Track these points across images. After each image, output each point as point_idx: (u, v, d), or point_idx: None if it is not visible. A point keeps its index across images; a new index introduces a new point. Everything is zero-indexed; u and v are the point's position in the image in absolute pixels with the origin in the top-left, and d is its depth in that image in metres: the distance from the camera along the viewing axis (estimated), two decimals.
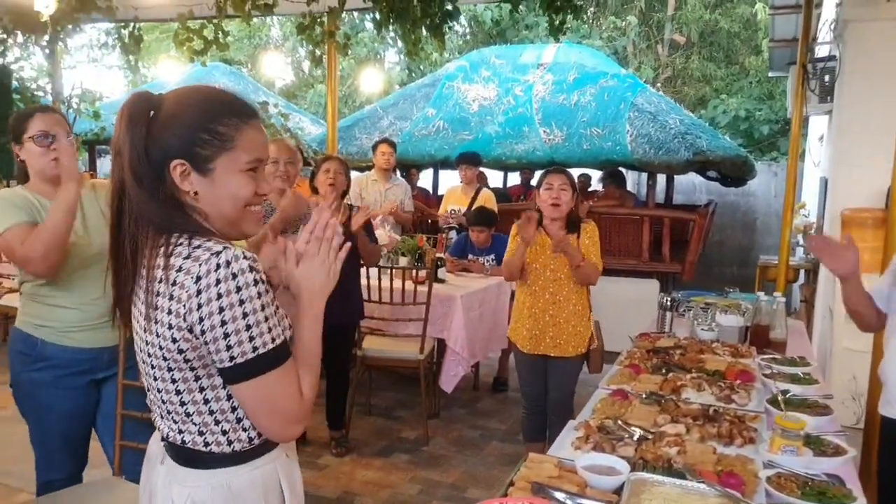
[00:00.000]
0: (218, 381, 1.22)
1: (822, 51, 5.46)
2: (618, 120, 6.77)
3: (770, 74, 9.65)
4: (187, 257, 1.17)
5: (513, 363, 3.81)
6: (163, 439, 1.32)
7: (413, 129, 7.63)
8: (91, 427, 2.36)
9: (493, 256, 4.98)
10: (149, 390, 1.30)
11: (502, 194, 7.33)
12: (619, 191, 6.96)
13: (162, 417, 1.29)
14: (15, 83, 7.85)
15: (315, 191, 3.77)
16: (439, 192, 8.08)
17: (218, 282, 1.14)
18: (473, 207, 5.51)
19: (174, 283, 1.16)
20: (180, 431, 1.26)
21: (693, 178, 8.65)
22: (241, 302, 1.14)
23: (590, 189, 8.22)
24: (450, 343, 4.21)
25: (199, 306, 1.14)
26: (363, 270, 4.01)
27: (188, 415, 1.24)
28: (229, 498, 1.26)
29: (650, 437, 1.84)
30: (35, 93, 8.30)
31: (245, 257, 1.16)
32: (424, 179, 8.41)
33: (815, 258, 5.81)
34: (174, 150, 1.20)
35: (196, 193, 1.23)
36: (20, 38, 6.81)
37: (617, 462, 1.63)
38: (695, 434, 1.90)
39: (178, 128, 1.21)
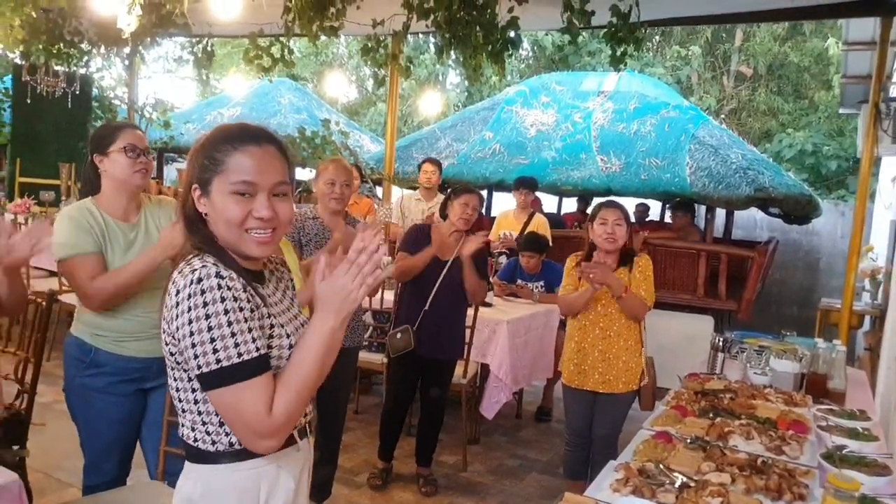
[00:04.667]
0: None
1: None
2: (678, 151, 6.67)
3: (841, 111, 9.34)
4: (180, 272, 1.30)
5: (558, 393, 3.75)
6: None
7: (470, 151, 7.67)
8: (137, 435, 2.42)
9: (542, 283, 4.94)
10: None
11: (556, 220, 7.29)
12: (687, 220, 6.80)
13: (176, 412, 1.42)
14: (95, 91, 8.27)
15: (445, 217, 3.63)
16: (493, 214, 8.09)
17: (190, 295, 1.25)
18: (525, 233, 5.49)
19: (169, 294, 1.30)
20: (182, 425, 1.38)
21: (754, 213, 8.43)
22: (207, 316, 1.24)
23: (647, 219, 8.11)
24: (493, 369, 4.18)
25: (177, 316, 1.26)
26: None
27: (183, 411, 1.36)
28: (207, 494, 1.34)
29: (693, 484, 1.78)
30: (112, 101, 8.73)
31: (220, 276, 1.26)
32: None
33: (882, 305, 5.57)
34: (192, 176, 1.36)
35: (206, 215, 1.36)
36: (102, 50, 7.17)
37: None
38: (740, 485, 1.82)
39: (194, 156, 1.36)
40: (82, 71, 7.48)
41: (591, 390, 3.24)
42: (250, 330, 1.27)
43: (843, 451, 2.08)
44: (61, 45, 6.60)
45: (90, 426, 2.33)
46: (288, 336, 1.35)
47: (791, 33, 13.79)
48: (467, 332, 3.90)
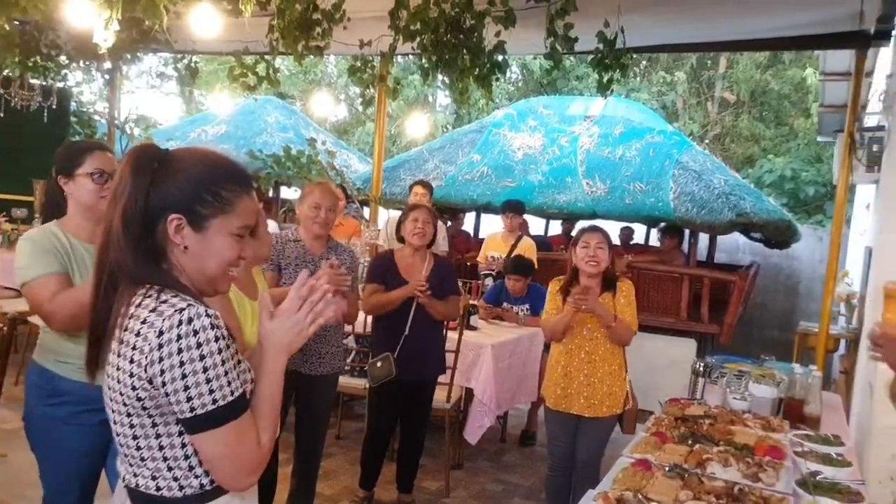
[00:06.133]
0: (174, 428, 1.27)
1: (871, 120, 5.39)
2: (662, 176, 6.77)
3: (819, 139, 9.53)
4: (153, 310, 1.24)
5: (542, 417, 3.77)
6: (123, 482, 1.36)
7: (457, 174, 7.73)
8: (101, 467, 2.30)
9: (528, 306, 4.98)
10: (114, 435, 1.35)
11: (543, 243, 7.35)
12: (675, 244, 6.87)
13: (122, 461, 1.35)
14: (74, 105, 8.16)
15: (402, 240, 3.66)
16: (480, 236, 8.15)
17: (179, 337, 1.20)
18: (512, 255, 5.53)
19: (138, 334, 1.23)
20: (135, 475, 1.31)
21: (737, 237, 8.54)
22: (202, 357, 1.21)
23: (632, 242, 8.19)
24: (477, 393, 4.18)
25: (161, 359, 1.20)
26: None
27: (143, 459, 1.29)
28: None
29: None
30: (92, 116, 8.60)
31: (207, 315, 1.23)
32: (466, 223, 8.49)
33: (857, 329, 5.65)
34: (175, 203, 1.28)
35: (186, 248, 1.30)
36: (82, 64, 7.07)
37: None
38: None
39: (184, 183, 1.29)
40: (60, 85, 7.37)
41: (575, 414, 3.26)
42: (234, 366, 1.27)
43: (818, 478, 2.12)
44: (38, 58, 6.52)
45: (50, 458, 2.22)
46: (249, 370, 1.35)
47: (772, 61, 14.06)
48: (451, 356, 3.92)
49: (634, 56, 4.77)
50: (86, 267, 2.16)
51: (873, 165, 4.89)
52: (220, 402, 1.23)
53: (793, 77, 13.63)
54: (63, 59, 6.72)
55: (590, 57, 4.70)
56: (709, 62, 14.70)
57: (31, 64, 6.57)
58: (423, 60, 4.84)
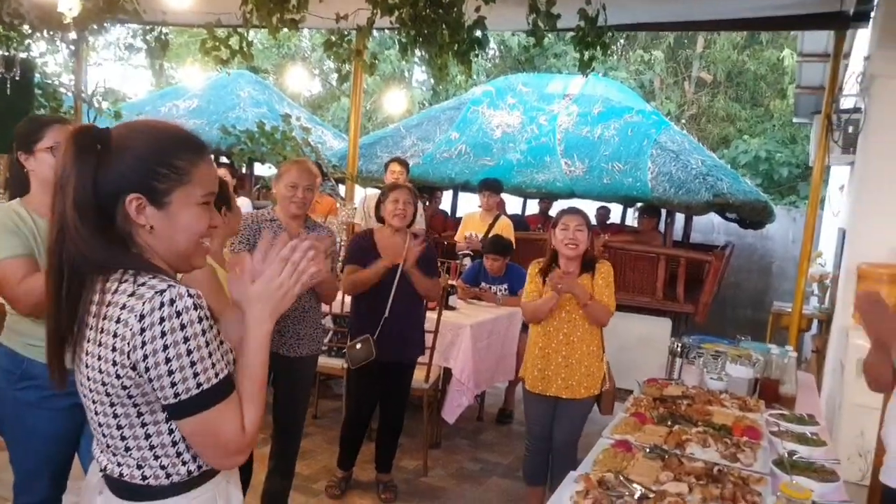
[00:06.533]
0: (160, 416, 1.23)
1: (847, 102, 5.42)
2: (640, 156, 6.77)
3: (795, 120, 9.62)
4: (132, 295, 1.18)
5: (519, 395, 3.78)
6: (101, 471, 1.32)
7: (435, 151, 7.65)
8: (74, 451, 2.26)
9: (506, 286, 4.96)
10: (92, 425, 1.30)
11: (520, 222, 7.32)
12: (654, 224, 6.88)
13: (102, 451, 1.30)
14: (38, 77, 7.88)
15: (381, 220, 3.60)
16: (458, 215, 8.10)
17: (162, 320, 1.15)
18: (490, 235, 5.50)
19: (118, 321, 1.17)
20: (119, 464, 1.26)
21: (712, 217, 8.60)
22: (186, 339, 1.16)
23: (608, 222, 8.21)
24: (455, 373, 4.18)
25: (144, 344, 1.15)
26: None
27: (128, 449, 1.25)
28: None
29: (651, 495, 1.81)
30: (58, 89, 8.32)
31: (190, 295, 1.18)
32: (444, 202, 8.43)
33: (829, 309, 5.74)
34: (130, 183, 1.21)
35: (152, 228, 1.23)
36: (46, 34, 6.82)
37: None
38: (697, 495, 1.86)
39: (134, 161, 1.21)
40: (23, 55, 7.10)
41: (553, 395, 3.27)
42: (218, 347, 1.23)
43: (794, 458, 2.14)
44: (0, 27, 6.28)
45: (21, 443, 2.18)
46: (230, 350, 1.30)
47: (749, 42, 14.11)
48: (429, 336, 3.90)
49: (614, 35, 4.73)
50: None
51: (849, 147, 4.94)
52: (205, 386, 1.18)
53: (769, 58, 13.71)
54: (26, 28, 6.47)
55: (569, 34, 4.65)
56: (686, 42, 14.71)
57: None
58: (402, 35, 4.74)
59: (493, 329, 4.52)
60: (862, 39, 5.29)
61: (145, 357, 1.16)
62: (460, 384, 4.15)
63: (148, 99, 10.79)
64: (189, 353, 1.16)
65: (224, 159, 9.05)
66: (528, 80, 8.49)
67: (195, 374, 1.17)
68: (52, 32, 6.66)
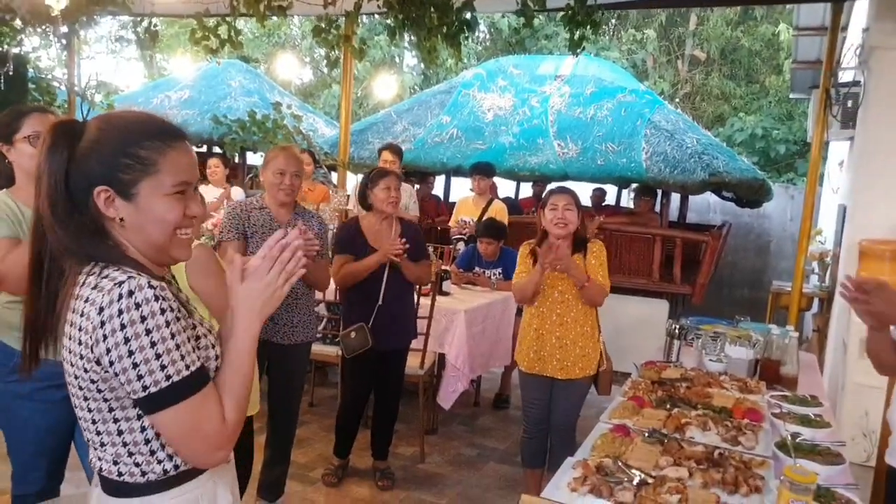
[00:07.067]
0: (132, 412, 1.20)
1: (846, 75, 5.34)
2: (634, 136, 6.68)
3: (791, 96, 9.51)
4: (94, 287, 1.16)
5: (516, 380, 3.73)
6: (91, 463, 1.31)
7: (427, 136, 7.56)
8: (70, 442, 2.28)
9: (500, 270, 4.90)
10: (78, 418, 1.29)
11: (513, 205, 7.24)
12: (650, 205, 6.79)
13: (88, 444, 1.29)
14: (31, 72, 7.84)
15: (369, 207, 3.52)
16: (451, 200, 8.02)
17: (121, 312, 1.12)
18: (483, 219, 5.43)
19: (82, 314, 1.15)
20: (99, 459, 1.25)
21: (708, 197, 8.54)
22: (148, 331, 1.12)
23: (604, 204, 8.13)
24: (450, 358, 4.13)
25: (105, 337, 1.12)
26: None
27: (103, 444, 1.23)
28: None
29: (651, 481, 1.75)
30: (51, 83, 8.29)
31: (151, 286, 1.14)
32: (437, 187, 8.35)
33: (830, 287, 5.69)
34: (97, 176, 1.19)
35: (122, 220, 1.21)
36: (39, 29, 6.79)
37: None
38: (697, 479, 1.81)
39: (99, 153, 1.19)
40: (16, 50, 7.06)
41: (549, 377, 3.22)
42: (189, 339, 1.18)
43: (798, 440, 2.09)
44: None
45: (16, 435, 2.20)
46: (213, 346, 1.26)
47: (743, 18, 13.97)
48: (424, 322, 3.85)
49: (605, 13, 4.64)
50: None
51: (848, 122, 4.87)
52: (175, 379, 1.14)
53: (764, 34, 13.58)
54: (18, 23, 6.41)
55: (560, 14, 4.56)
56: (678, 20, 14.57)
57: None
58: (390, 19, 4.65)
59: (487, 314, 4.46)
60: (859, 12, 5.19)
61: (108, 351, 1.12)
62: (455, 370, 4.10)
63: (140, 91, 10.71)
64: (153, 345, 1.12)
65: (217, 149, 8.98)
66: (519, 62, 8.39)
67: (162, 367, 1.13)
68: (44, 27, 6.61)
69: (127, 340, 1.11)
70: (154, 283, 1.16)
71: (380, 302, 3.40)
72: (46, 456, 2.23)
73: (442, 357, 4.25)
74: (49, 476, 2.25)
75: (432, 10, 4.51)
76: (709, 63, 14.44)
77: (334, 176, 7.34)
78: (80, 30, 6.46)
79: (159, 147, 1.20)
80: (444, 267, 4.69)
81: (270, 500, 3.21)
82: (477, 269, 4.98)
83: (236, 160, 9.71)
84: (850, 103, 4.71)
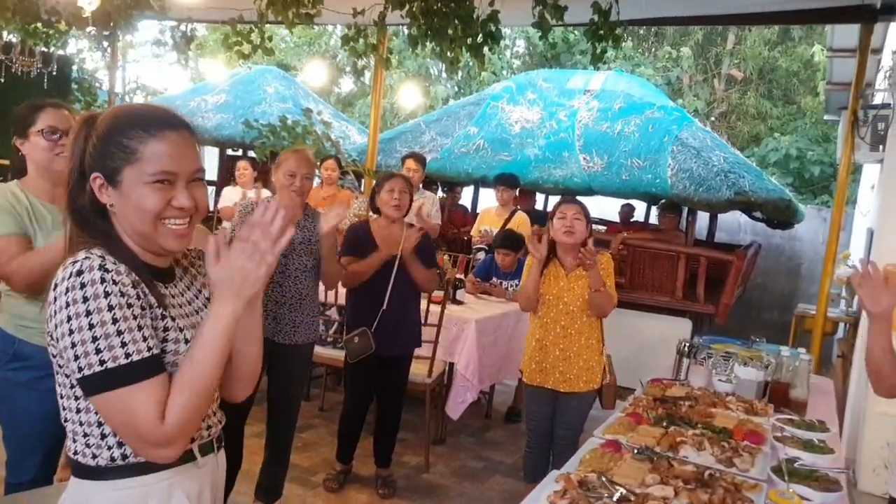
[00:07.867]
0: None
1: (878, 97, 5.22)
2: (660, 153, 6.62)
3: (826, 117, 9.33)
4: (63, 266, 1.19)
5: None
6: None
7: (454, 146, 7.59)
8: (65, 431, 2.32)
9: (517, 281, 4.87)
10: None
11: (542, 218, 7.19)
12: (676, 222, 6.69)
13: None
14: (76, 73, 8.11)
15: (377, 211, 3.55)
16: (478, 210, 8.03)
17: (68, 290, 1.14)
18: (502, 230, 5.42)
19: (51, 289, 1.19)
20: (68, 437, 1.27)
21: (738, 216, 8.40)
22: (88, 313, 1.13)
23: (632, 220, 8.05)
24: (460, 368, 4.11)
25: (55, 312, 1.15)
26: None
27: (66, 420, 1.25)
28: None
29: (633, 498, 1.73)
30: (92, 84, 8.57)
31: (102, 268, 1.15)
32: (465, 197, 8.38)
33: (857, 312, 5.54)
34: (93, 163, 1.25)
35: (112, 206, 1.25)
36: (87, 31, 7.02)
37: None
38: (683, 499, 1.77)
39: (95, 142, 1.25)
40: (61, 52, 7.32)
41: (552, 389, 3.20)
42: (140, 328, 1.16)
43: (795, 464, 2.04)
44: (39, 24, 6.46)
45: (12, 422, 2.22)
46: (187, 341, 1.25)
47: (781, 38, 13.76)
48: (433, 330, 3.85)
49: (641, 31, 4.62)
50: (47, 228, 2.15)
51: (878, 144, 4.75)
52: (110, 365, 1.13)
53: (802, 54, 13.34)
54: (63, 25, 6.65)
55: (585, 28, 4.55)
56: (717, 38, 14.41)
57: (31, 30, 6.51)
58: (413, 29, 4.69)
59: (499, 325, 4.44)
60: (894, 34, 5.09)
61: (56, 326, 1.15)
62: (465, 379, 4.09)
63: (179, 94, 10.96)
64: (91, 327, 1.13)
65: (252, 153, 9.14)
66: (548, 76, 8.38)
67: (97, 351, 1.13)
68: (89, 30, 6.85)
69: (69, 319, 1.13)
70: (110, 266, 1.16)
71: (384, 307, 3.41)
72: (42, 444, 2.23)
73: (452, 366, 4.24)
74: (44, 464, 2.27)
75: (456, 21, 4.54)
76: (746, 82, 14.24)
77: (363, 184, 7.42)
78: (120, 33, 6.67)
79: (142, 136, 1.22)
80: (458, 275, 4.69)
81: (268, 502, 3.22)
82: (494, 279, 4.97)
83: (267, 163, 9.87)
84: (880, 126, 4.60)
